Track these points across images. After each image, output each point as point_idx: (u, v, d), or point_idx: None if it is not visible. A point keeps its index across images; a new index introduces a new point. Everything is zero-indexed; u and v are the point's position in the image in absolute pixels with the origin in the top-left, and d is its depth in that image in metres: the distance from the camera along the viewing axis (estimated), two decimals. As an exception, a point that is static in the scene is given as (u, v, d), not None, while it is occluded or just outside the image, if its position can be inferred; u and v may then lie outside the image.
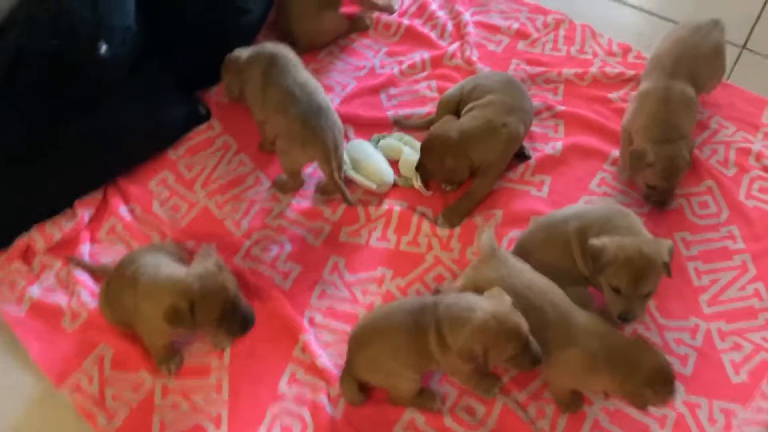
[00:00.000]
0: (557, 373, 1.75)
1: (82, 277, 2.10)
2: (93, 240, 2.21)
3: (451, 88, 2.39)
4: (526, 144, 2.39)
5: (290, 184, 2.28)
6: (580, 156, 2.41)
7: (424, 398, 1.85)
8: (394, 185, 2.31)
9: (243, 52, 2.27)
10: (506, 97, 2.24)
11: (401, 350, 1.73)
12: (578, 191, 2.32)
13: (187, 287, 1.69)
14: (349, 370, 1.85)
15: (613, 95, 2.55)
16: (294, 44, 2.57)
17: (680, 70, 2.22)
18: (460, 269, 2.13)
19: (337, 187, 2.15)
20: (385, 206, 2.26)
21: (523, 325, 1.59)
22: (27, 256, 2.18)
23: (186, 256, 2.01)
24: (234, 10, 2.41)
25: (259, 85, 2.19)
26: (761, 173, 2.33)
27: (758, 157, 2.36)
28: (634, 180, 2.25)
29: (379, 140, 2.40)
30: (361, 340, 1.80)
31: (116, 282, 1.86)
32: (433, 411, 1.85)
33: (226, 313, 1.72)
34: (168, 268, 1.77)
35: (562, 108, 2.52)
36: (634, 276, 1.71)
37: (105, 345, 2.00)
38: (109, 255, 2.17)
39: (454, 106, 2.30)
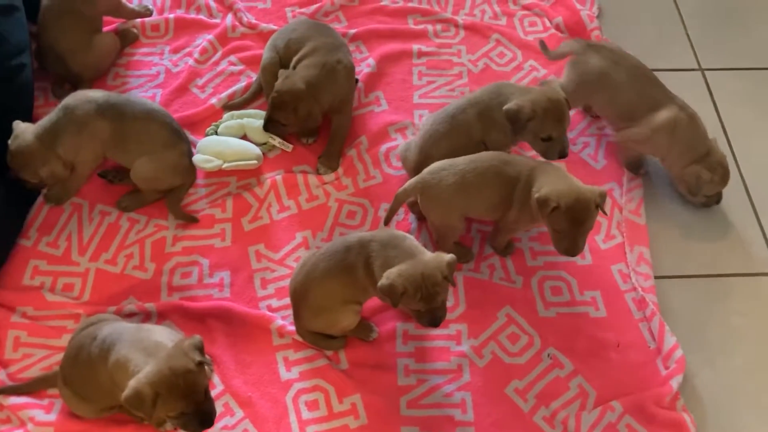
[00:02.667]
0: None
1: (21, 401, 1.88)
2: (3, 365, 1.96)
3: (265, 54, 2.45)
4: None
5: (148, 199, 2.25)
6: (392, 62, 2.65)
7: (360, 329, 1.99)
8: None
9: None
10: (324, 38, 2.37)
11: (336, 291, 1.86)
12: (408, 91, 2.58)
13: (160, 377, 1.50)
14: (299, 326, 1.95)
15: (390, 5, 2.81)
16: (77, 83, 2.43)
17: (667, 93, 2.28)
18: (363, 198, 2.29)
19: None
20: (267, 182, 2.30)
21: (439, 292, 1.71)
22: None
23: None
24: (10, 69, 2.19)
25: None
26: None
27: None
28: (693, 199, 2.30)
29: (216, 129, 2.40)
30: (298, 296, 1.91)
31: (82, 369, 1.71)
32: (368, 340, 2.00)
33: (188, 410, 1.55)
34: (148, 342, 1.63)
35: (354, 31, 2.71)
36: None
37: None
38: (31, 369, 1.95)
39: (278, 68, 2.37)
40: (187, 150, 2.27)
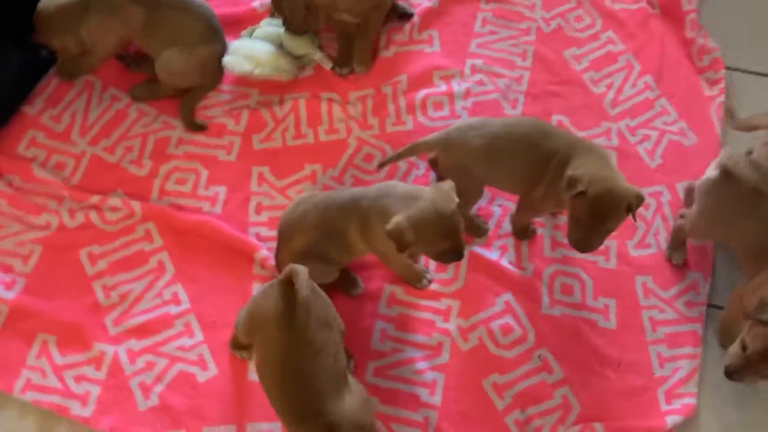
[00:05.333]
0: None
1: (-13, 271, 1.82)
2: (-21, 227, 1.90)
3: None
4: (402, 3, 2.33)
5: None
6: (456, 1, 2.39)
7: (344, 281, 1.85)
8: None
9: None
10: None
11: (320, 247, 1.71)
12: (467, 37, 2.33)
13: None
14: (278, 262, 1.81)
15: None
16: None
17: None
18: (386, 143, 2.09)
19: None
20: (289, 103, 2.13)
21: (460, 225, 1.59)
22: None
23: None
24: None
25: None
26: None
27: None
28: None
29: (251, 33, 2.21)
30: (284, 236, 1.77)
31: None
32: (350, 295, 1.86)
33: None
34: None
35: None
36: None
37: (43, 333, 1.78)
38: (16, 239, 1.89)
39: None
40: (221, 52, 2.11)
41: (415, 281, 1.88)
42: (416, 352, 1.81)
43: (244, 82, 2.16)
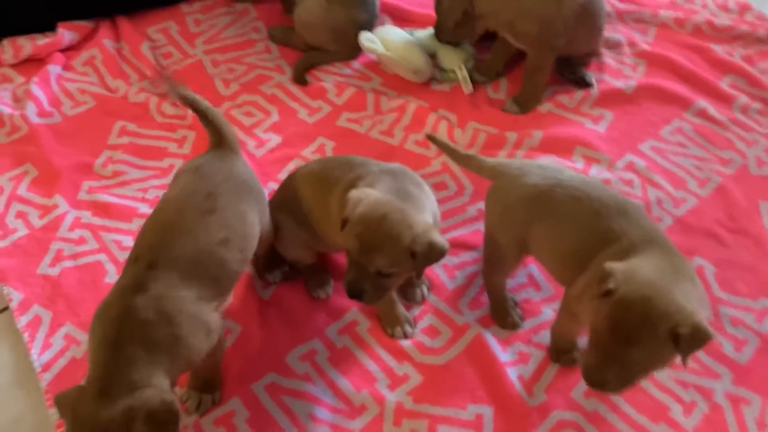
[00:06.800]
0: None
1: (38, 93, 1.84)
2: (66, 67, 1.95)
3: None
4: (591, 72, 1.95)
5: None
6: (657, 100, 1.94)
7: (311, 275, 1.50)
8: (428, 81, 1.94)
9: None
10: None
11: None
12: (644, 134, 1.85)
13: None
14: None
15: (716, 47, 2.07)
16: None
17: None
18: (471, 183, 1.70)
19: None
20: (400, 101, 1.87)
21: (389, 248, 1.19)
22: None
23: None
24: None
25: None
26: None
27: None
28: None
29: (411, 33, 2.01)
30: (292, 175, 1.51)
31: None
32: (312, 294, 1.48)
33: None
34: None
35: (647, 47, 2.05)
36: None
37: (31, 166, 1.71)
38: (78, 86, 1.90)
39: None
40: (361, 22, 1.94)
41: (389, 323, 1.43)
42: (328, 397, 1.34)
43: (376, 68, 1.96)
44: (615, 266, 1.09)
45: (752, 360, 1.41)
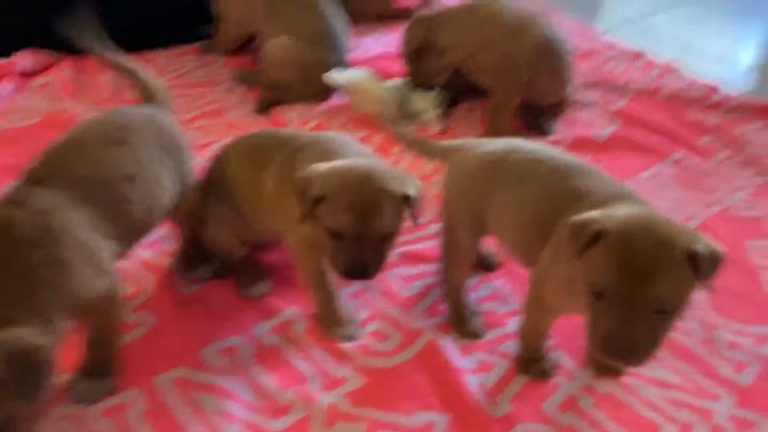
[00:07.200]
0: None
1: None
2: (20, 89, 1.89)
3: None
4: (553, 123, 1.90)
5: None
6: (633, 151, 1.87)
7: (244, 271, 1.32)
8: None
9: None
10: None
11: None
12: (623, 177, 1.74)
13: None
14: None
15: (692, 112, 2.04)
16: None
17: None
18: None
19: None
20: (365, 133, 1.81)
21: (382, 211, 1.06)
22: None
23: None
24: None
25: None
26: None
27: None
28: None
29: (384, 82, 1.95)
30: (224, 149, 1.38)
31: None
32: (243, 293, 1.29)
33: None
34: None
35: (623, 106, 2.03)
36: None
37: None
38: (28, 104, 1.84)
39: None
40: (327, 62, 1.90)
41: (327, 322, 1.22)
42: (245, 394, 1.10)
43: (342, 110, 1.91)
44: (586, 214, 0.94)
45: (756, 383, 1.20)
